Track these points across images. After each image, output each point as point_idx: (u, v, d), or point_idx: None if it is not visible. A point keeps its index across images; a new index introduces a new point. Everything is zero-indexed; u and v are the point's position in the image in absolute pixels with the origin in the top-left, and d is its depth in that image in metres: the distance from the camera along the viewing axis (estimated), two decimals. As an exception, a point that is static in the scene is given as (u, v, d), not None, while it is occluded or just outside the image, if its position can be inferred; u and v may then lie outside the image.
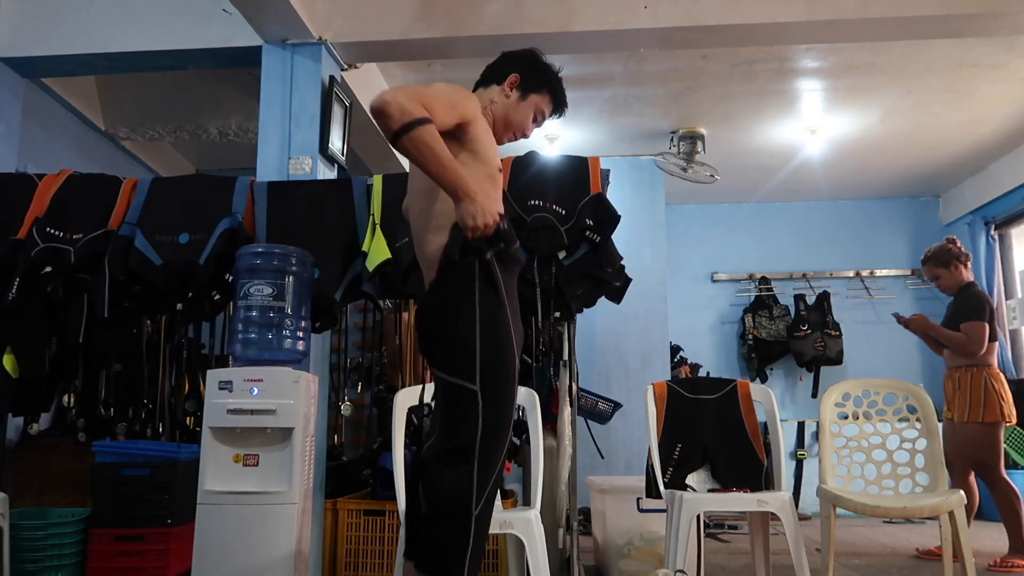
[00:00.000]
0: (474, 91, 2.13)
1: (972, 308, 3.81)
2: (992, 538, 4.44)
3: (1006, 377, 3.85)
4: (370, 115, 1.82)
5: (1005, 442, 5.50)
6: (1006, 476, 3.72)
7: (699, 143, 5.36)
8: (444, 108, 1.84)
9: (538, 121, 2.17)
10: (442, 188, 1.82)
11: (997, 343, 3.89)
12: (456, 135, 1.90)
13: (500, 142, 2.15)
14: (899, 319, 4.00)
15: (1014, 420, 3.78)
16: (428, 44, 3.70)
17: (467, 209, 1.78)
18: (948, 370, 3.94)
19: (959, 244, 4.01)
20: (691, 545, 2.87)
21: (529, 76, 2.12)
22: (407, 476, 2.15)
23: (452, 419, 1.84)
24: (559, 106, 2.20)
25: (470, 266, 1.85)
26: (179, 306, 3.12)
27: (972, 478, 3.85)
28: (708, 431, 3.04)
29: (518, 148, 3.65)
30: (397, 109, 1.74)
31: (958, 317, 3.85)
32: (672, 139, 5.45)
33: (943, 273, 3.97)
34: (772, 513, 2.74)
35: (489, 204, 1.82)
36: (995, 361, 3.86)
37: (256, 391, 2.55)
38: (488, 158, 1.96)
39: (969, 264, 3.98)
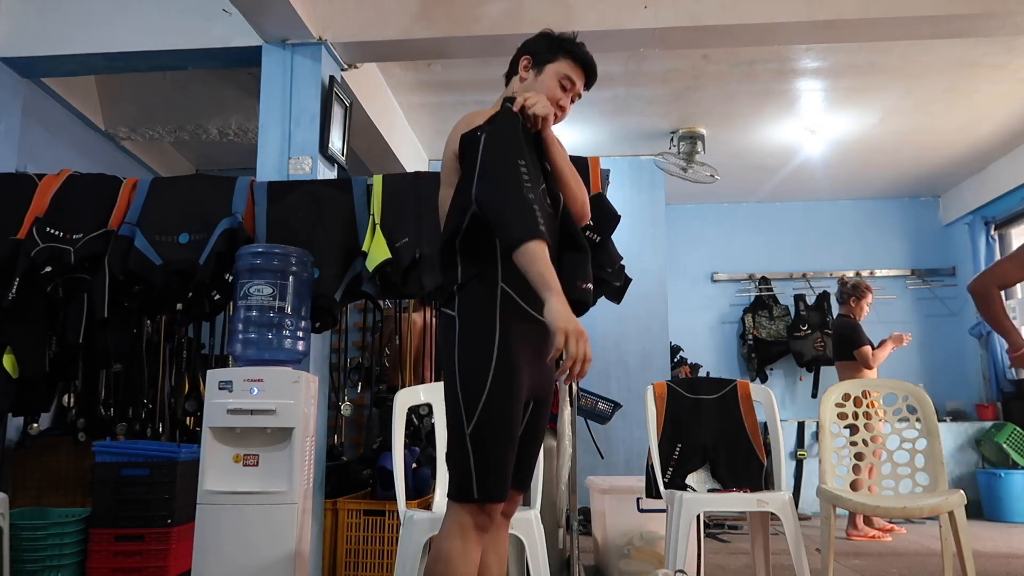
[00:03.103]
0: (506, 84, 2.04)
1: None
2: (992, 538, 4.44)
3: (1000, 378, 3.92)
4: None
5: (1005, 442, 5.53)
6: None
7: (699, 143, 5.37)
8: None
9: (567, 89, 1.99)
10: None
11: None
12: None
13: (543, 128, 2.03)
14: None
15: None
16: (428, 44, 3.70)
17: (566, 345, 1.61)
18: None
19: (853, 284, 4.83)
20: (691, 545, 2.88)
21: (539, 51, 1.99)
22: None
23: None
24: (585, 66, 1.99)
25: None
26: (179, 306, 3.12)
27: None
28: (708, 431, 3.04)
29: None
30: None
31: None
32: (672, 139, 5.45)
33: None
34: (772, 513, 2.75)
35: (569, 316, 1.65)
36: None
37: (256, 391, 2.55)
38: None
39: (855, 300, 4.79)
